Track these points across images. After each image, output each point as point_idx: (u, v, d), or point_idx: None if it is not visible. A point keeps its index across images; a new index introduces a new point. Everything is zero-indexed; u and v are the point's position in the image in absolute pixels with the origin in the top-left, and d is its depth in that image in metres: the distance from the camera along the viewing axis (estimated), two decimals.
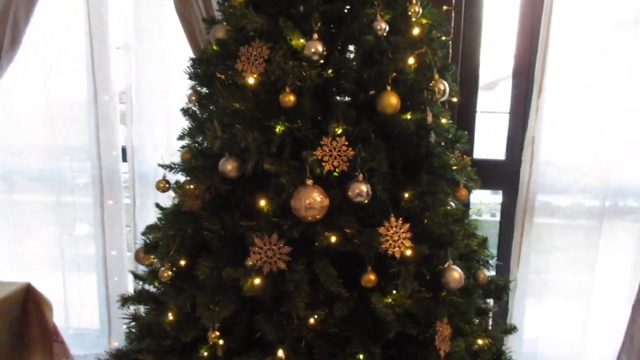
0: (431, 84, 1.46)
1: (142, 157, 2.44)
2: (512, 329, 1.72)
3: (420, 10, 1.43)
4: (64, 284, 2.59)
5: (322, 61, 1.35)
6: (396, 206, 1.43)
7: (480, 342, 1.51)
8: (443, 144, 1.56)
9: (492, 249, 1.80)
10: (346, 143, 1.34)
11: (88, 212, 2.54)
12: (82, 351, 2.52)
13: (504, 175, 2.51)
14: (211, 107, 1.45)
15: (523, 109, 2.41)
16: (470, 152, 2.57)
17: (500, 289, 1.72)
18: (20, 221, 2.52)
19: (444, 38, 1.59)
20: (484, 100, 2.64)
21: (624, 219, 2.34)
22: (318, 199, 1.29)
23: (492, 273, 1.79)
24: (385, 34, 1.35)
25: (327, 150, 1.34)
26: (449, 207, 1.49)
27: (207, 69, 1.48)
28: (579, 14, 2.17)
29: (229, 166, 1.39)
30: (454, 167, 1.49)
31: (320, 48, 1.33)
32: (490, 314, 1.76)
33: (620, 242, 2.35)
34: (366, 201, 1.32)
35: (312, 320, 1.33)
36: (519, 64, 2.41)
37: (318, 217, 1.30)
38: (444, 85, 1.47)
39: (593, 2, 2.16)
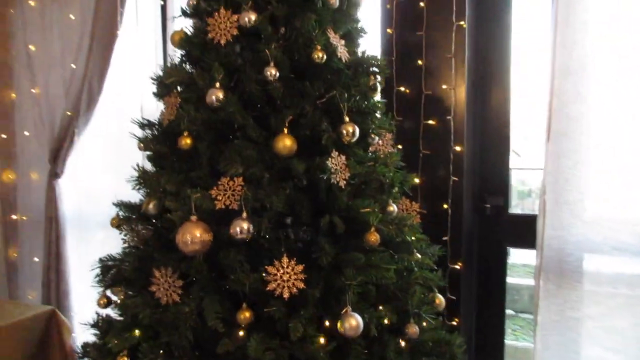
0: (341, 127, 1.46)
1: None
2: None
3: (324, 57, 1.46)
4: None
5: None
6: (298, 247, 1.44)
7: None
8: (364, 187, 1.52)
9: None
10: (242, 183, 1.41)
11: None
12: None
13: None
14: (148, 152, 1.63)
15: None
16: (505, 207, 2.38)
17: (451, 349, 1.56)
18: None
19: (371, 82, 1.59)
20: None
21: None
22: (198, 234, 1.36)
23: None
24: (275, 80, 1.41)
25: (222, 189, 1.41)
26: (356, 253, 1.42)
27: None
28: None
29: (150, 205, 1.54)
30: (364, 210, 1.43)
31: (220, 95, 1.44)
32: None
33: None
34: (248, 238, 1.36)
35: (197, 354, 1.37)
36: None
37: (200, 251, 1.37)
38: (352, 128, 1.46)
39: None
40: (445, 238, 2.17)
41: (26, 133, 2.90)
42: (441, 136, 2.19)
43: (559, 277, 2.08)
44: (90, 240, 2.94)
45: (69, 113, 2.74)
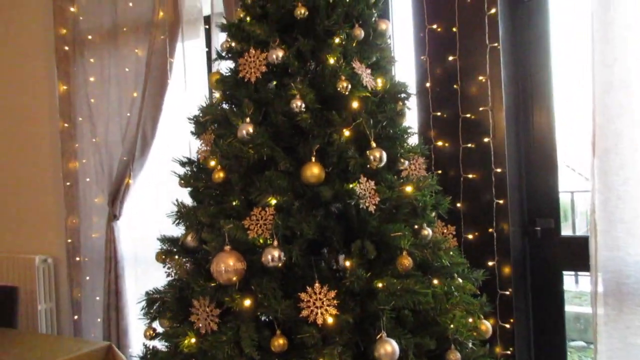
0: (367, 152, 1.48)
1: None
2: None
3: (349, 86, 1.50)
4: None
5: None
6: (332, 273, 1.45)
7: None
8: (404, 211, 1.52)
9: None
10: (273, 212, 1.45)
11: None
12: None
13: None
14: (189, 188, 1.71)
15: None
16: (557, 229, 2.29)
17: None
18: None
19: (399, 108, 1.60)
20: None
21: None
22: (231, 263, 1.40)
23: None
24: (301, 111, 1.46)
25: (255, 219, 1.46)
26: (389, 278, 1.41)
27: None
28: None
29: (189, 238, 1.61)
30: (394, 234, 1.43)
31: (250, 129, 1.50)
32: None
33: None
34: (280, 266, 1.38)
35: None
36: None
37: (234, 280, 1.41)
38: (379, 153, 1.47)
39: None
40: (491, 263, 2.10)
41: (87, 179, 3.10)
42: (481, 159, 2.15)
43: (619, 301, 1.96)
44: (148, 278, 3.05)
45: (125, 158, 2.92)
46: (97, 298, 3.02)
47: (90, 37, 3.14)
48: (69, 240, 3.10)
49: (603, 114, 1.93)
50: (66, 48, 3.20)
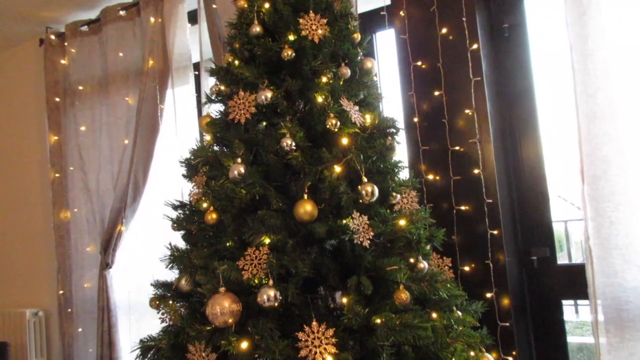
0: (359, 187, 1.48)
1: None
2: None
3: (338, 123, 1.52)
4: None
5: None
6: (329, 310, 1.43)
7: None
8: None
9: None
10: (267, 252, 1.44)
11: None
12: None
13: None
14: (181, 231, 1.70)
15: None
16: (553, 258, 2.29)
17: None
18: None
19: (388, 142, 1.62)
20: None
21: None
22: (226, 305, 1.38)
23: None
24: (291, 149, 1.47)
25: (249, 259, 1.44)
26: (387, 313, 1.39)
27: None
28: None
29: (183, 281, 1.59)
30: (390, 268, 1.42)
31: (242, 169, 1.51)
32: None
33: None
34: (276, 305, 1.36)
35: None
36: None
37: (230, 322, 1.38)
38: (371, 188, 1.48)
39: None
40: (489, 294, 2.08)
41: (79, 229, 3.07)
42: (473, 190, 2.16)
43: (621, 328, 1.94)
44: (142, 326, 2.99)
45: (117, 206, 2.90)
46: (90, 350, 2.94)
47: (81, 87, 3.17)
48: (61, 292, 3.04)
49: (589, 142, 1.96)
50: (57, 99, 3.22)
